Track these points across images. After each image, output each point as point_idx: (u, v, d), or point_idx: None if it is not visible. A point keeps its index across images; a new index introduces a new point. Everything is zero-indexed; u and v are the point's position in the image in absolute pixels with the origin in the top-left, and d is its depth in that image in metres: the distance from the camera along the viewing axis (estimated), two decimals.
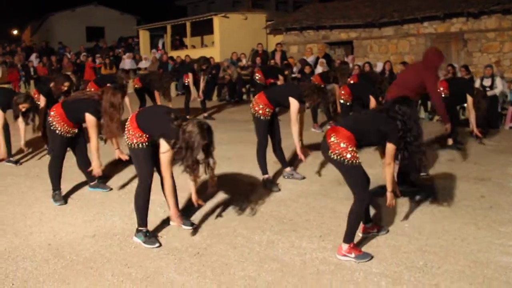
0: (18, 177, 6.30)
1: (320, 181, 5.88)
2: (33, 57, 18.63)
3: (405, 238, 4.23)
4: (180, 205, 4.65)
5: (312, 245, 4.10)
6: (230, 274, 3.62)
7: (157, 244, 4.12)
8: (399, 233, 4.36)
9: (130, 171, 6.45)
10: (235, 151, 7.55)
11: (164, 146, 3.99)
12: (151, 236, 4.21)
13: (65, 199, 5.36)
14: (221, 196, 5.40)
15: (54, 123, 5.17)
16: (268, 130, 5.83)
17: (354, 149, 3.80)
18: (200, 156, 4.00)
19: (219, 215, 4.85)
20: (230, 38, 17.92)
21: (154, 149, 4.12)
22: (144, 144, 4.09)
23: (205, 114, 10.87)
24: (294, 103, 5.58)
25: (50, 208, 5.08)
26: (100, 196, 5.47)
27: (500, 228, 4.48)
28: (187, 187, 4.50)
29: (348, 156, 3.77)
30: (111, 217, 4.80)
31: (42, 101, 7.45)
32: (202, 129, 3.83)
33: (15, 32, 33.83)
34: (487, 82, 10.49)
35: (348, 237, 3.84)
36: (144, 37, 21.40)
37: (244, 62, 15.16)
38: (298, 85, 5.85)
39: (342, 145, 3.77)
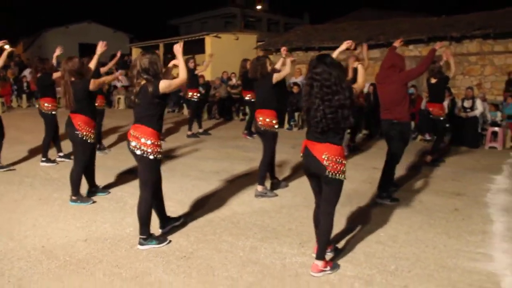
0: (12, 185, 6.51)
1: (303, 193, 6.15)
2: (26, 72, 18.84)
3: (379, 246, 4.51)
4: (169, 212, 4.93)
5: (292, 251, 4.35)
6: (214, 275, 3.85)
7: (168, 241, 4.49)
8: (374, 241, 4.63)
9: (120, 181, 6.72)
10: (223, 166, 7.84)
11: (168, 82, 4.34)
12: (159, 236, 4.55)
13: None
14: (208, 206, 5.67)
15: (84, 132, 5.62)
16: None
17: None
18: None
19: (206, 222, 5.10)
20: (221, 57, 18.30)
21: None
22: (160, 154, 4.42)
23: (189, 133, 10.99)
24: (275, 77, 6.05)
25: (44, 215, 5.29)
26: (92, 204, 5.70)
27: (469, 237, 4.77)
28: (172, 197, 4.79)
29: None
30: (102, 224, 5.03)
31: None
32: (142, 55, 4.37)
33: (6, 47, 34.02)
34: (467, 104, 10.90)
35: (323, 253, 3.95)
36: (136, 55, 21.75)
37: (234, 81, 15.50)
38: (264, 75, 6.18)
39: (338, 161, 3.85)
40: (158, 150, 4.39)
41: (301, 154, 4.01)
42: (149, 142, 4.31)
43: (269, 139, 6.10)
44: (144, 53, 4.42)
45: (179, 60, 4.50)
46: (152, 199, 4.46)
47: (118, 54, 9.60)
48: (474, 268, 4.03)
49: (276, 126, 6.13)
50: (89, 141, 5.70)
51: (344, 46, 4.53)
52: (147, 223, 4.41)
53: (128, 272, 3.89)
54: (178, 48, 4.50)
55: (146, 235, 4.40)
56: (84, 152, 5.74)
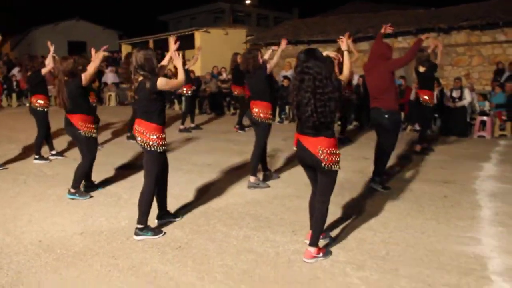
0: (6, 183, 6.53)
1: (295, 184, 6.25)
2: (15, 70, 18.74)
3: (370, 232, 4.62)
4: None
5: (285, 239, 4.45)
6: (209, 264, 3.94)
7: (163, 233, 4.58)
8: (366, 228, 4.74)
9: (115, 176, 6.78)
10: (214, 159, 7.92)
11: (166, 81, 4.48)
12: (154, 228, 4.64)
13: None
14: (202, 198, 5.75)
15: (86, 130, 5.73)
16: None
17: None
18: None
19: (200, 214, 5.18)
20: (211, 52, 18.33)
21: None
22: (164, 147, 4.58)
23: (181, 127, 11.12)
24: (269, 68, 6.24)
25: (39, 211, 5.34)
26: (88, 199, 5.76)
27: (458, 222, 4.89)
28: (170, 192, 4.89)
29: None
30: (98, 218, 5.09)
31: None
32: (137, 51, 4.48)
33: None
34: (456, 94, 11.05)
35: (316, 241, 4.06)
36: (126, 51, 21.69)
37: (224, 76, 15.56)
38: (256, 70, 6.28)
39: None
40: (163, 143, 4.56)
41: (294, 147, 4.09)
42: (154, 137, 4.48)
43: (263, 130, 6.22)
44: (139, 49, 4.54)
45: (178, 64, 4.64)
46: (155, 189, 4.61)
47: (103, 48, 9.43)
48: (463, 251, 4.15)
49: (271, 118, 6.28)
50: (93, 136, 5.86)
51: (332, 54, 4.57)
52: (146, 212, 4.52)
53: (124, 262, 3.97)
54: (175, 53, 4.68)
55: (143, 225, 4.50)
56: (90, 148, 5.87)
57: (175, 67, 5.28)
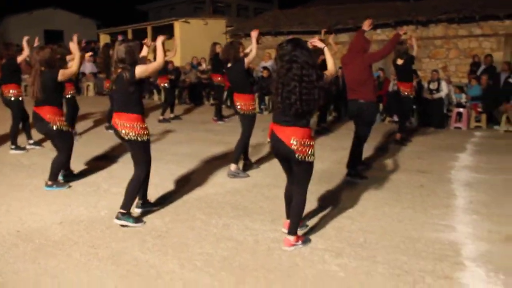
0: None
1: (273, 174, 6.29)
2: None
3: (348, 221, 4.69)
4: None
5: (264, 227, 4.50)
6: (189, 252, 3.96)
7: (143, 222, 4.59)
8: (343, 216, 4.82)
9: (93, 166, 6.73)
10: (194, 149, 7.94)
11: (145, 66, 4.50)
12: (135, 217, 4.66)
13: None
14: (182, 188, 5.76)
15: (57, 123, 5.60)
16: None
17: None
18: None
19: (180, 203, 5.19)
20: (190, 42, 18.22)
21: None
22: (148, 136, 4.60)
23: (160, 118, 11.04)
24: (247, 61, 6.25)
25: (17, 201, 5.27)
26: (66, 189, 5.70)
27: (433, 211, 5.00)
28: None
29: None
30: (77, 207, 5.06)
31: None
32: (119, 44, 4.53)
33: None
34: (433, 86, 11.21)
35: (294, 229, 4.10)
36: (104, 41, 21.43)
37: (204, 66, 15.49)
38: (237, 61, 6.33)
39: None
40: (147, 132, 4.57)
41: (268, 140, 4.08)
42: (136, 127, 4.48)
43: (248, 121, 6.32)
44: (120, 42, 4.54)
45: (158, 48, 4.61)
46: (145, 178, 4.66)
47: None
48: (438, 238, 4.25)
49: (254, 108, 6.39)
50: (64, 129, 5.71)
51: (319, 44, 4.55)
52: (131, 199, 4.55)
53: (104, 251, 3.96)
54: (159, 41, 4.66)
55: (126, 210, 4.51)
56: (64, 141, 5.76)
57: (155, 58, 5.25)
